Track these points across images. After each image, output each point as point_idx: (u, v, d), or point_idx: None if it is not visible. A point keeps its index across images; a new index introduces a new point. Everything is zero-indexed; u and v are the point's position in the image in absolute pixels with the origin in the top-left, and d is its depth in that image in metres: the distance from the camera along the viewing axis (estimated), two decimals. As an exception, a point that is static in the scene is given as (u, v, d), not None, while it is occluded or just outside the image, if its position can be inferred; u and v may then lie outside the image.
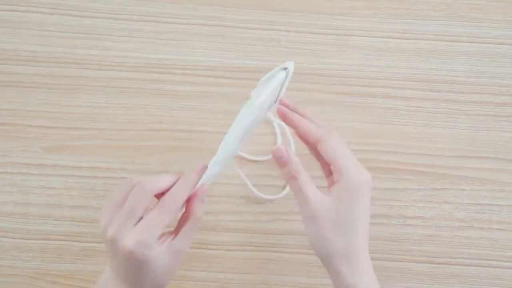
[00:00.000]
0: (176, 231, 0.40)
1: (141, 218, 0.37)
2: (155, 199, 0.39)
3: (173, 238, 0.39)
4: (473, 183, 0.57)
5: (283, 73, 0.42)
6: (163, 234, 0.39)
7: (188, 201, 0.40)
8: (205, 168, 0.40)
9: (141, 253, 0.36)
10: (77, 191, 0.56)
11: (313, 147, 0.43)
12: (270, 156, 0.52)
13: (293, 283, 0.55)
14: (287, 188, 0.56)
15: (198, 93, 0.59)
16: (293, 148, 0.56)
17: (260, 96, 0.42)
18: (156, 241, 0.37)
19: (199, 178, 0.40)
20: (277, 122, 0.58)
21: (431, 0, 0.63)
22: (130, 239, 0.36)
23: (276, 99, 0.44)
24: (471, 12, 0.63)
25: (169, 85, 0.60)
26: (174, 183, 0.39)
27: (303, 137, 0.44)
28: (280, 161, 0.42)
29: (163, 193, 0.39)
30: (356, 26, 0.62)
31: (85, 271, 0.54)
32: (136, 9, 0.62)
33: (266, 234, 0.56)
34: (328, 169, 0.43)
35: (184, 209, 0.40)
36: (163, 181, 0.39)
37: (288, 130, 0.57)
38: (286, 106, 0.44)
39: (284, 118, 0.44)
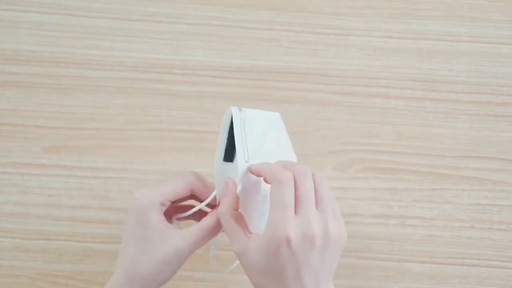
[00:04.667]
0: None
1: None
2: None
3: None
4: (473, 183, 0.57)
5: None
6: None
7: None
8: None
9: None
10: (77, 191, 0.56)
11: None
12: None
13: (293, 283, 0.55)
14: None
15: (198, 93, 0.59)
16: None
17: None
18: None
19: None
20: None
21: (431, 0, 0.63)
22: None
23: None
24: (471, 12, 0.63)
25: (169, 85, 0.60)
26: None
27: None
28: (223, 191, 0.42)
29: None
30: (356, 26, 0.62)
31: (85, 271, 0.54)
32: (136, 9, 0.62)
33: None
34: None
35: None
36: None
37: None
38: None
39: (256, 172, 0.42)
